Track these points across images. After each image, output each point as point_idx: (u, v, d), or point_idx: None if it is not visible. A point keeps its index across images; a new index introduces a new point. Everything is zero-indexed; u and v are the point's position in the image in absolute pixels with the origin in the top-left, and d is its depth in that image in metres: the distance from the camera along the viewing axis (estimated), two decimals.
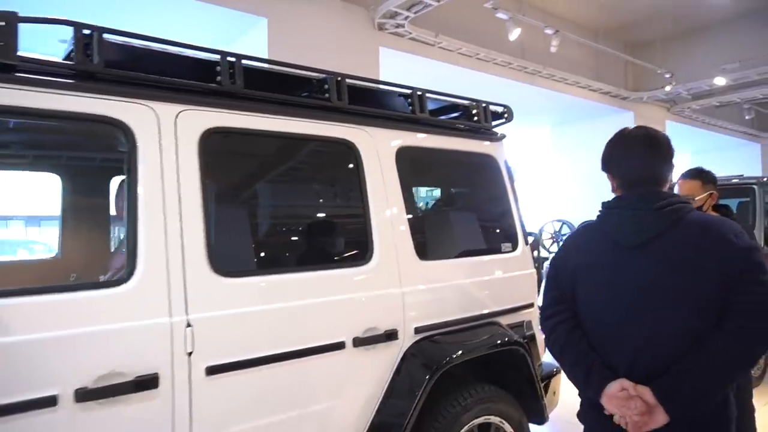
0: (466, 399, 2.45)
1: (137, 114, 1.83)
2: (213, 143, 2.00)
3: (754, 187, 5.64)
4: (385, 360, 2.31)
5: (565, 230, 11.26)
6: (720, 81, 9.06)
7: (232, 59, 2.08)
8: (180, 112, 1.92)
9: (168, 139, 1.87)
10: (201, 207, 1.89)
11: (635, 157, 1.61)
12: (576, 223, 10.92)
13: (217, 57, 2.06)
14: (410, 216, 2.57)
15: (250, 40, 5.28)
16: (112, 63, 1.81)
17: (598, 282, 1.60)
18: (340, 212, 2.64)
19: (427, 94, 2.73)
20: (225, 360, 1.86)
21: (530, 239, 3.52)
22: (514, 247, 3.01)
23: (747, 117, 11.59)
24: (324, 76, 2.35)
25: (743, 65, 8.86)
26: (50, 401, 1.51)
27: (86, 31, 1.77)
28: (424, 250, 2.61)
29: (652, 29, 9.30)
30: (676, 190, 3.09)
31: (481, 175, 3.10)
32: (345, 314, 2.21)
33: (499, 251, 2.94)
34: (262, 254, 2.39)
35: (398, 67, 6.26)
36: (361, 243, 2.36)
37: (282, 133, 2.19)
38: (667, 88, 9.19)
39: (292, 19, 5.11)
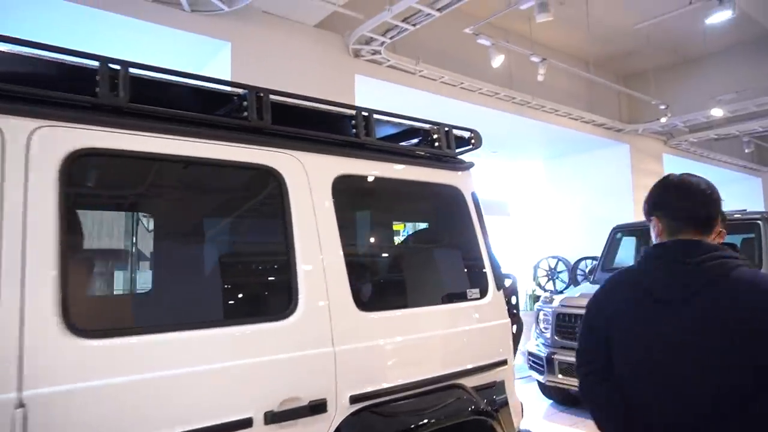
0: None
1: None
2: (81, 168, 1.59)
3: (759, 222, 5.22)
4: None
5: (561, 267, 10.78)
6: (717, 112, 8.76)
7: (116, 66, 1.70)
8: (36, 129, 1.52)
9: (14, 164, 1.47)
10: (56, 250, 1.47)
11: (690, 197, 1.55)
12: (572, 260, 10.46)
13: (96, 63, 1.68)
14: (350, 259, 2.14)
15: (217, 66, 4.98)
16: None
17: (636, 335, 1.54)
18: (255, 255, 2.20)
19: (376, 116, 2.35)
20: None
21: (508, 282, 3.10)
22: (483, 293, 2.57)
23: (747, 150, 11.26)
24: (244, 91, 1.97)
25: (740, 96, 8.57)
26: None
27: None
28: (366, 300, 2.17)
29: (644, 60, 9.07)
30: None
31: (442, 208, 2.69)
32: (254, 382, 1.76)
33: (464, 298, 2.50)
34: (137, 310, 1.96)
35: (376, 97, 5.95)
36: (282, 292, 1.93)
37: (181, 157, 1.79)
38: (663, 120, 8.88)
39: (258, 44, 4.82)
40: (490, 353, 2.51)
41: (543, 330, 6.03)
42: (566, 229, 10.57)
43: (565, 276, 10.73)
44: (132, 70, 1.72)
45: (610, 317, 1.60)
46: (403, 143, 2.62)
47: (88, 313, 1.55)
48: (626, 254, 6.75)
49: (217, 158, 1.86)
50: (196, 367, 1.63)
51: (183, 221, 2.23)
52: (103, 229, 1.95)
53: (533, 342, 6.17)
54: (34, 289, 1.42)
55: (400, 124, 2.57)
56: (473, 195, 2.67)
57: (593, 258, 9.29)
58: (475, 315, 2.51)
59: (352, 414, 1.96)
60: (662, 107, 8.74)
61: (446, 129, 2.60)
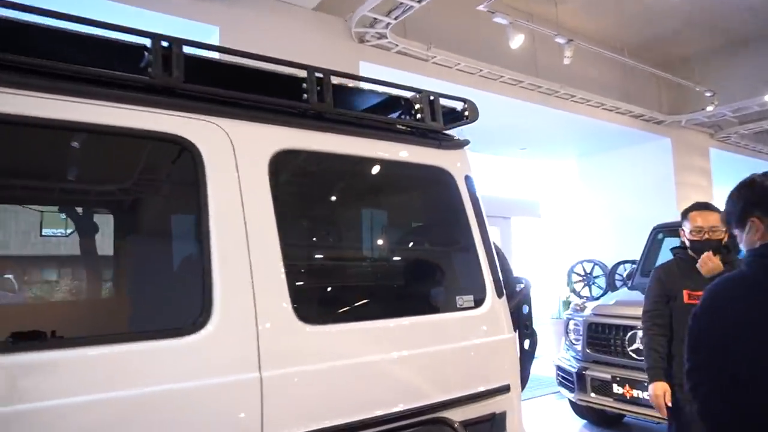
0: None
1: None
2: None
3: None
4: None
5: (598, 271, 9.99)
6: None
7: None
8: None
9: None
10: None
11: None
12: (609, 264, 9.66)
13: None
14: (292, 258, 1.66)
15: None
16: None
17: (764, 341, 1.47)
18: (155, 253, 1.73)
19: (336, 80, 1.87)
20: None
21: (519, 287, 2.57)
22: (479, 302, 2.05)
23: None
24: (146, 40, 1.52)
25: None
26: None
27: None
28: (312, 310, 1.69)
29: (684, 44, 8.25)
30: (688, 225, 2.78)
31: (423, 195, 2.19)
32: (145, 416, 1.30)
33: (451, 308, 1.99)
34: None
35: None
36: (192, 300, 1.46)
37: (49, 121, 1.35)
38: (709, 108, 8.05)
39: (249, 30, 4.43)
40: (486, 377, 1.99)
41: (573, 342, 5.39)
42: (602, 231, 9.80)
43: (602, 281, 9.95)
44: None
45: (730, 327, 1.52)
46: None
47: None
48: (668, 257, 6.04)
49: (105, 124, 1.42)
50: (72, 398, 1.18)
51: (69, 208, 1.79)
52: None
53: (563, 355, 5.54)
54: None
55: (372, 92, 2.09)
56: (468, 179, 2.16)
57: (632, 262, 8.55)
58: (467, 328, 1.99)
59: None
60: (708, 94, 7.92)
61: (430, 97, 2.10)
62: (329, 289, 1.85)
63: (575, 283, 10.45)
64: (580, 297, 10.05)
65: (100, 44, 1.51)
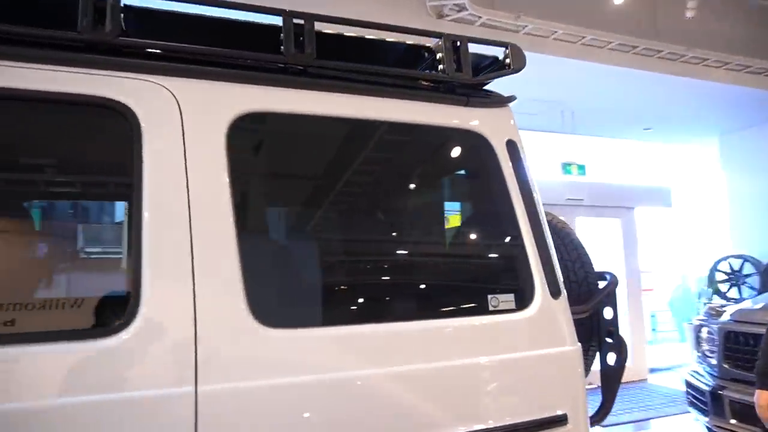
0: None
1: None
2: None
3: None
4: None
5: (748, 269, 8.40)
6: None
7: None
8: None
9: None
10: None
11: None
12: (763, 259, 8.05)
13: None
14: (251, 245, 1.34)
15: None
16: None
17: None
18: (77, 238, 1.48)
19: (323, 25, 1.51)
20: None
21: (601, 284, 2.05)
22: (524, 302, 1.56)
23: None
24: None
25: None
26: None
27: None
28: (278, 309, 1.35)
29: None
30: None
31: (444, 164, 1.74)
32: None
33: (480, 310, 1.52)
34: None
35: None
36: (116, 295, 1.20)
37: None
38: None
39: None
40: (529, 403, 1.50)
41: (707, 354, 4.43)
42: (752, 221, 8.21)
43: (754, 281, 8.35)
44: None
45: None
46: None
47: None
48: None
49: (23, 88, 1.22)
50: None
51: None
52: None
53: (694, 368, 4.59)
54: None
55: (386, 43, 1.69)
56: (511, 146, 1.67)
57: None
58: (502, 337, 1.52)
59: None
60: None
61: (456, 42, 1.65)
62: (302, 285, 1.49)
63: (719, 282, 8.91)
64: (727, 299, 8.52)
65: None
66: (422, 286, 1.58)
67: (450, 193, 1.88)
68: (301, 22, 1.47)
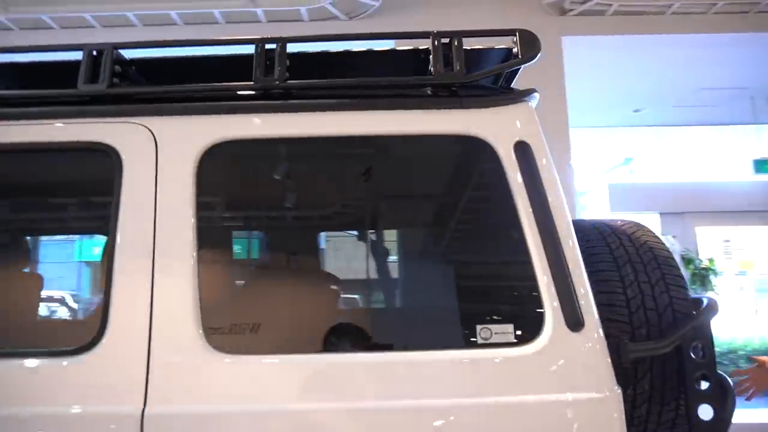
0: None
1: None
2: None
3: None
4: None
5: None
6: None
7: None
8: None
9: None
10: None
11: None
12: None
13: None
14: (217, 267, 1.37)
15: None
16: None
17: None
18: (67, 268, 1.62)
19: (295, 46, 1.51)
20: None
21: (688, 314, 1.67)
22: (530, 335, 1.30)
23: None
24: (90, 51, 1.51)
25: None
26: None
27: None
28: (235, 337, 1.34)
29: None
30: None
31: (431, 175, 1.53)
32: None
33: (465, 342, 1.31)
34: None
35: (596, 62, 4.40)
36: (92, 317, 1.33)
37: None
38: None
39: (412, 12, 4.19)
40: None
41: None
42: None
43: None
44: None
45: None
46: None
47: None
48: None
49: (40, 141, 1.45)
50: None
51: None
52: None
53: None
54: None
55: (374, 54, 1.60)
56: (522, 149, 1.43)
57: None
58: (496, 376, 1.27)
59: None
60: None
61: (441, 40, 1.48)
62: (261, 311, 1.44)
63: None
64: None
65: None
66: (390, 316, 1.41)
67: (440, 207, 1.65)
68: (273, 46, 1.48)
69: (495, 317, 1.33)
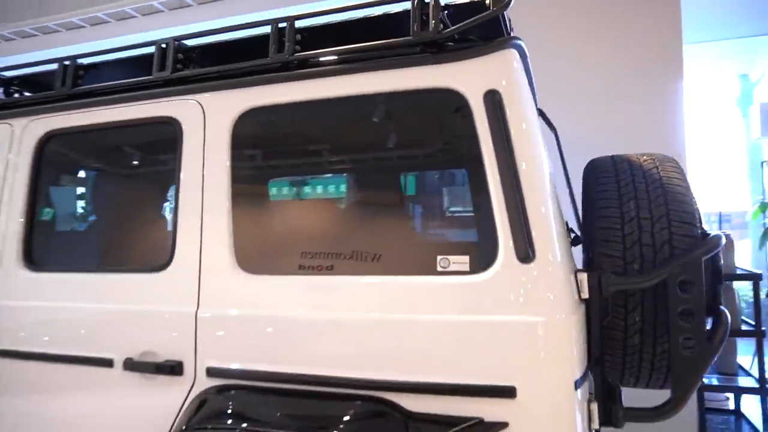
0: None
1: None
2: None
3: None
4: (164, 401, 1.75)
5: None
6: None
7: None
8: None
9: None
10: None
11: None
12: None
13: None
14: (242, 211, 1.78)
15: None
16: None
17: None
18: (154, 210, 2.10)
19: (307, 20, 1.79)
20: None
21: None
22: (483, 265, 1.50)
23: None
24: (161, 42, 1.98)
25: None
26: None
27: None
28: (256, 258, 1.75)
29: None
30: None
31: (411, 125, 1.70)
32: (121, 327, 1.84)
33: (427, 270, 1.55)
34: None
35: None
36: (166, 246, 1.86)
37: (105, 124, 2.04)
38: None
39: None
40: (473, 369, 1.46)
41: None
42: None
43: None
44: None
45: None
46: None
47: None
48: None
49: (129, 118, 1.99)
50: (80, 303, 1.90)
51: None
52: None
53: None
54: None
55: (362, 20, 1.79)
56: (490, 96, 1.56)
57: None
58: (449, 299, 1.50)
59: (217, 390, 1.68)
60: None
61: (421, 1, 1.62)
62: (275, 242, 1.80)
63: None
64: None
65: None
66: (369, 246, 1.68)
67: (424, 154, 1.79)
68: (285, 25, 1.78)
69: (457, 249, 1.53)
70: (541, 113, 2.97)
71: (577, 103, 3.89)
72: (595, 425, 1.60)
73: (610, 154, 2.02)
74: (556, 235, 1.50)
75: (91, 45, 5.54)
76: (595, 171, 1.93)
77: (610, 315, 1.66)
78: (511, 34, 1.75)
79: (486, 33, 1.68)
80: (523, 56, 1.65)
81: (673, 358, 1.58)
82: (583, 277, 1.60)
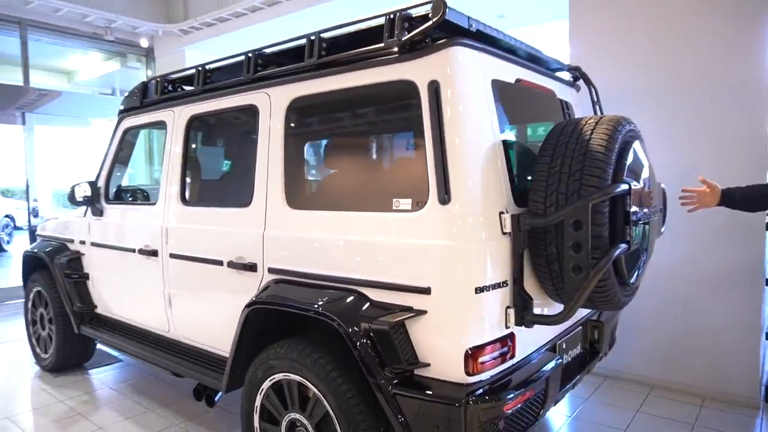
0: (272, 351, 2.50)
1: None
2: None
3: None
4: (248, 286, 2.80)
5: None
6: None
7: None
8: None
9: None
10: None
11: None
12: None
13: None
14: (289, 166, 2.69)
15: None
16: None
17: None
18: (244, 166, 3.01)
19: (325, 35, 2.56)
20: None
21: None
22: (417, 205, 2.19)
23: None
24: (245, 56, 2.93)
25: None
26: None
27: None
28: (296, 199, 2.65)
29: None
30: None
31: (385, 109, 2.36)
32: (227, 242, 2.94)
33: (387, 208, 2.28)
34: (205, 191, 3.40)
35: None
36: (249, 191, 2.86)
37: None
38: None
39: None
40: (409, 274, 2.18)
41: None
42: None
43: None
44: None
45: None
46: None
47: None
48: None
49: (237, 105, 3.02)
50: (209, 226, 3.06)
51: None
52: None
53: None
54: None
55: (360, 32, 2.46)
56: (433, 85, 2.17)
57: None
58: (399, 228, 2.22)
59: (275, 281, 2.68)
60: None
61: (391, 16, 2.27)
62: (306, 190, 2.64)
63: None
64: None
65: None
66: (360, 192, 2.43)
67: (386, 129, 2.39)
68: (312, 38, 2.57)
69: (405, 194, 2.23)
70: (579, 70, 3.29)
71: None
72: (511, 324, 2.20)
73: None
74: (470, 186, 2.09)
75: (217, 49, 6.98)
76: (550, 132, 2.39)
77: (525, 245, 2.20)
78: (476, 30, 2.27)
79: (450, 34, 2.23)
80: (486, 50, 2.22)
81: (565, 280, 2.09)
82: (506, 216, 2.17)
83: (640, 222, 2.30)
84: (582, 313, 2.98)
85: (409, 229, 2.19)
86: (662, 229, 3.01)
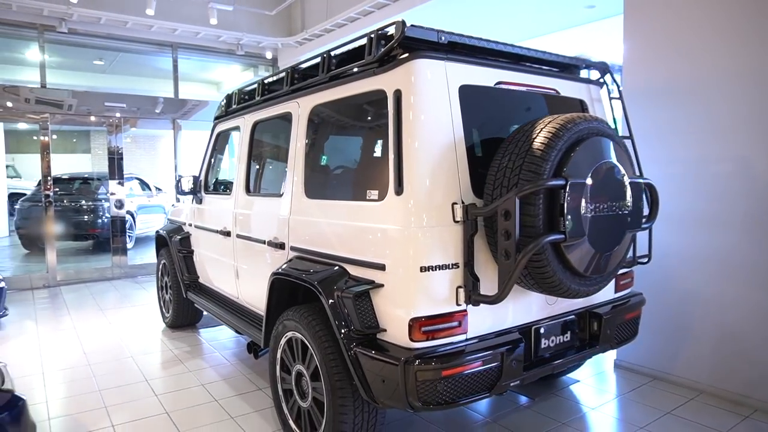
0: (286, 314, 3.07)
1: None
2: None
3: None
4: (279, 261, 3.43)
5: None
6: None
7: None
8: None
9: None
10: None
11: None
12: None
13: None
14: (309, 162, 3.25)
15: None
16: None
17: None
18: (282, 163, 3.56)
19: (334, 52, 3.06)
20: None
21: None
22: (381, 196, 2.60)
23: None
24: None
25: None
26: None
27: None
28: (310, 190, 3.19)
29: None
30: None
31: (368, 118, 2.77)
32: (267, 224, 3.60)
33: (363, 198, 2.72)
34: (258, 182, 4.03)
35: None
36: (283, 183, 3.48)
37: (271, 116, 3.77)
38: None
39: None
40: (373, 253, 2.60)
41: None
42: None
43: None
44: None
45: None
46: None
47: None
48: None
49: (278, 114, 3.66)
50: (251, 210, 3.75)
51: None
52: None
53: None
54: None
55: (358, 49, 2.89)
56: (396, 93, 2.56)
57: None
58: (369, 214, 2.65)
59: (295, 257, 3.27)
60: None
61: (371, 36, 2.68)
62: (317, 183, 3.13)
63: None
64: None
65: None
66: (347, 186, 2.87)
67: (365, 133, 2.72)
68: (325, 56, 3.08)
69: (375, 187, 2.65)
70: (604, 67, 3.35)
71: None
72: (461, 303, 2.49)
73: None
74: (422, 180, 2.43)
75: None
76: (513, 132, 2.61)
77: (475, 231, 2.46)
78: (447, 42, 2.60)
79: (424, 49, 2.58)
80: (455, 59, 2.56)
81: (499, 264, 2.33)
82: (458, 206, 2.48)
83: (589, 215, 2.41)
84: (576, 304, 3.08)
85: (375, 216, 2.61)
86: (644, 225, 2.97)
